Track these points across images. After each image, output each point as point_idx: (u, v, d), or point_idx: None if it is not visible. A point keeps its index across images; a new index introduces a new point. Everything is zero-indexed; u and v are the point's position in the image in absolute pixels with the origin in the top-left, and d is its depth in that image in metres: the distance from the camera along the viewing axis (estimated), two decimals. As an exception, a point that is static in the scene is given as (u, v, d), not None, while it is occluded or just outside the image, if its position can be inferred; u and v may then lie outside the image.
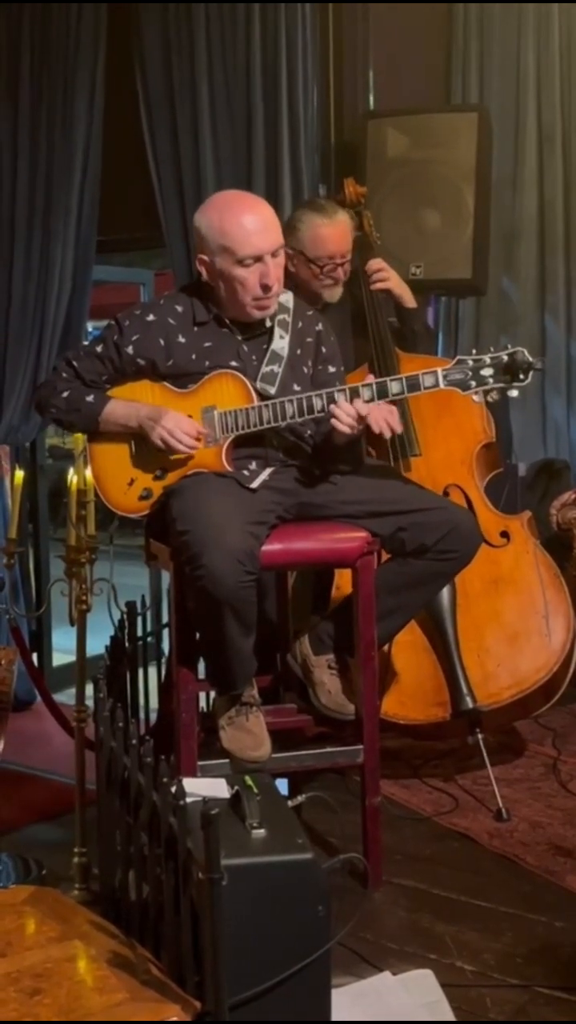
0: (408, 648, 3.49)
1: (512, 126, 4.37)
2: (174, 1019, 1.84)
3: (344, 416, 2.86)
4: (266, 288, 2.92)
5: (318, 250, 3.60)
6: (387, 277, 3.75)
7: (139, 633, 3.60)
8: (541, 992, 2.49)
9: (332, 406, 2.88)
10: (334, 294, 3.69)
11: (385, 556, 3.09)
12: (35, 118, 4.66)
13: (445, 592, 3.42)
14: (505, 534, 3.57)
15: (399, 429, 2.98)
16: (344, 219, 3.66)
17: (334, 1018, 2.17)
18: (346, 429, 2.87)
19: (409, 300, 3.80)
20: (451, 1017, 2.38)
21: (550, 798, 3.48)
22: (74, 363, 3.06)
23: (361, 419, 2.87)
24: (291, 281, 3.48)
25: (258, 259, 2.89)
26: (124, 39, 4.59)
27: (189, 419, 2.94)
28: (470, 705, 3.40)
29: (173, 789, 2.22)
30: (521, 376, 2.85)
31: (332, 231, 3.61)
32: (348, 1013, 2.35)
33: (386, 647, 3.39)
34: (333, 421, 2.88)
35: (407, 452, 3.63)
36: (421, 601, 3.17)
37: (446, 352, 4.43)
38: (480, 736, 3.44)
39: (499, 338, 4.35)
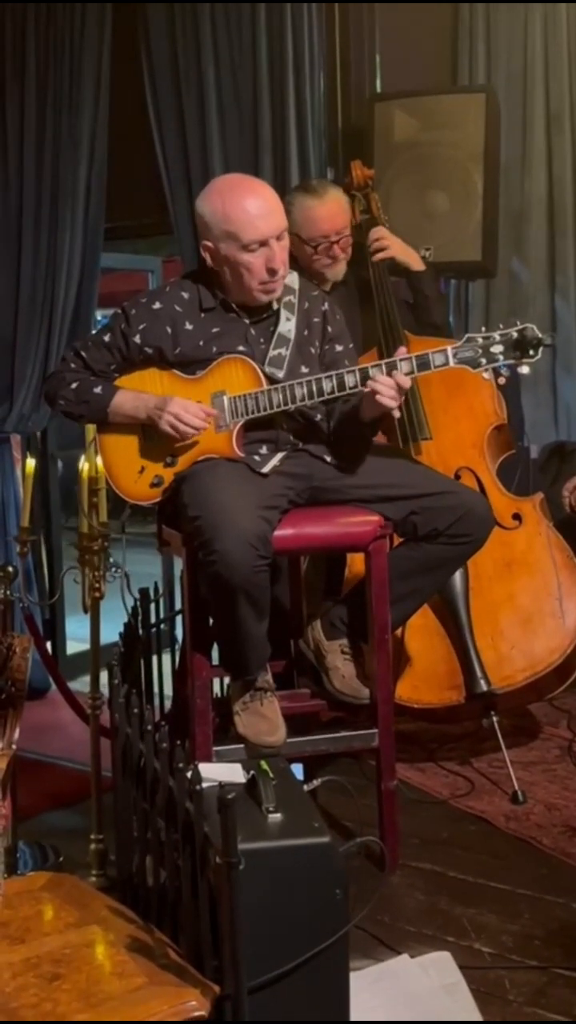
0: (421, 632, 3.49)
1: (520, 106, 4.33)
2: (192, 1003, 1.84)
3: (385, 388, 2.83)
4: (272, 272, 2.91)
5: (312, 230, 3.59)
6: (387, 245, 3.73)
7: (152, 620, 3.60)
8: (560, 973, 2.50)
9: (371, 380, 2.84)
10: (336, 272, 3.68)
11: (397, 540, 3.08)
12: (41, 105, 4.65)
13: (458, 575, 3.41)
14: (517, 516, 3.56)
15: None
16: (336, 196, 3.65)
17: (352, 1001, 2.17)
18: (389, 402, 2.83)
19: (416, 263, 3.78)
20: (470, 999, 2.39)
21: (566, 780, 3.48)
22: (82, 353, 3.05)
23: (401, 390, 2.84)
24: (294, 264, 3.47)
25: (263, 243, 2.88)
26: (130, 25, 4.57)
27: (195, 402, 2.93)
28: (484, 688, 3.39)
29: (189, 774, 2.22)
30: (531, 352, 2.83)
31: (323, 210, 3.60)
32: (366, 996, 2.35)
33: (399, 631, 3.39)
34: (376, 397, 2.84)
35: (418, 435, 3.62)
36: (434, 586, 3.16)
37: (456, 335, 4.41)
38: (495, 719, 3.44)
39: (509, 320, 4.32)
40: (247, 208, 2.88)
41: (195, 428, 2.92)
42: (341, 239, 3.64)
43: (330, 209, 3.62)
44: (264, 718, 2.89)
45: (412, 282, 3.81)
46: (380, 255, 3.72)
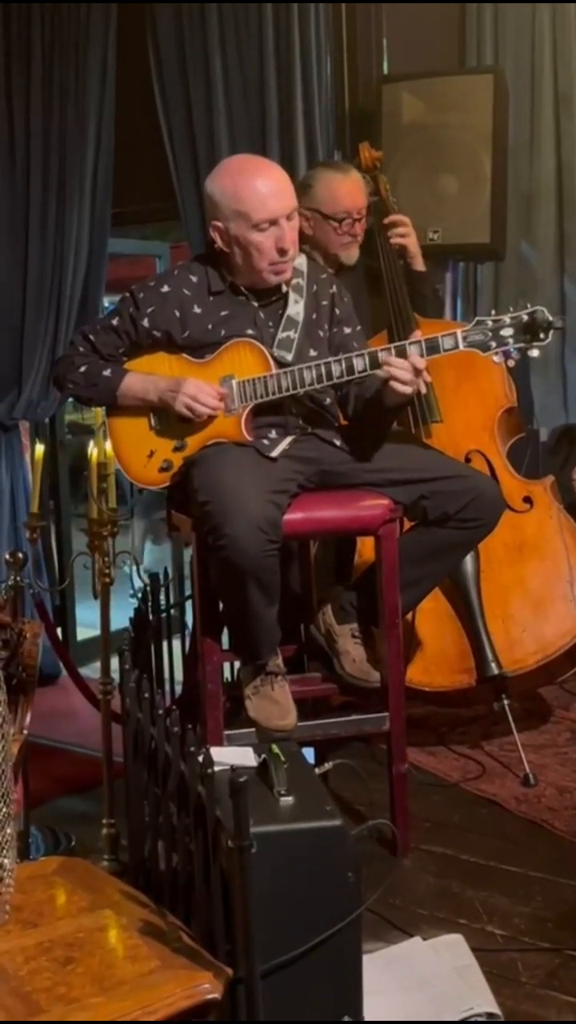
0: (432, 615, 3.48)
1: (528, 87, 4.31)
2: (206, 986, 1.84)
3: (401, 373, 2.79)
4: (282, 252, 2.90)
5: (336, 206, 3.60)
6: (407, 233, 3.74)
7: (162, 605, 3.60)
8: (572, 955, 2.50)
9: (387, 365, 2.80)
10: (351, 254, 3.68)
11: (407, 524, 3.07)
12: (48, 91, 4.63)
13: (469, 559, 3.41)
14: (528, 499, 3.56)
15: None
16: (357, 175, 3.68)
17: (365, 984, 2.17)
18: (406, 389, 2.80)
19: (420, 264, 3.79)
20: (482, 981, 2.39)
21: (577, 763, 3.49)
22: (91, 337, 3.05)
23: (418, 373, 2.81)
24: (307, 244, 3.46)
25: (274, 223, 2.87)
26: (136, 10, 4.55)
27: (209, 383, 2.93)
28: (495, 671, 3.39)
29: (201, 759, 2.22)
30: (542, 335, 2.81)
31: (348, 187, 3.63)
32: (379, 978, 2.35)
33: (410, 615, 3.38)
34: (392, 382, 2.80)
35: (428, 418, 3.61)
36: (444, 570, 3.15)
37: (464, 317, 4.40)
38: (506, 702, 3.44)
39: (518, 303, 4.29)
40: (257, 187, 2.86)
41: (211, 409, 2.91)
42: (361, 218, 3.66)
43: (354, 185, 3.66)
44: (275, 702, 2.89)
45: (411, 279, 3.79)
46: (397, 240, 3.71)
